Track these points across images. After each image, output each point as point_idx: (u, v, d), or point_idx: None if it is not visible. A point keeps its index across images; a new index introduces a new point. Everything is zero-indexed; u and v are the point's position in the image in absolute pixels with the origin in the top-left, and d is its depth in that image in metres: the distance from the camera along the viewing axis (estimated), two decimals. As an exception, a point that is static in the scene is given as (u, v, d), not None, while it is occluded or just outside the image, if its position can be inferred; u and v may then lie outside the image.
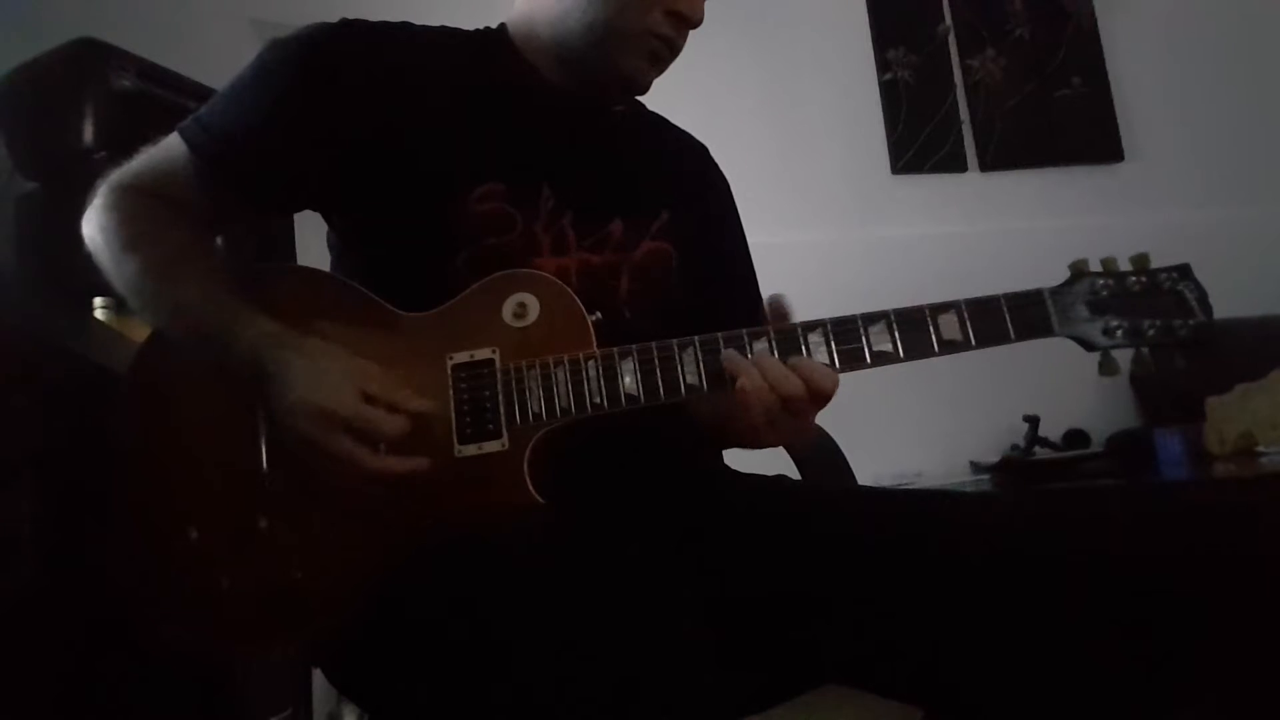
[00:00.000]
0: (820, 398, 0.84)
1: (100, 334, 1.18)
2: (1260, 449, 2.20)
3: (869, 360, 0.86)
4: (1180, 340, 0.87)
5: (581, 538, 0.83)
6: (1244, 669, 1.74)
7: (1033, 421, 2.63)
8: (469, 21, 1.07)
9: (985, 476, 2.62)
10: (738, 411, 0.85)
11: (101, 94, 1.62)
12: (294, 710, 1.54)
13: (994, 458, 2.64)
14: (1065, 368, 2.28)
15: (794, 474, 1.23)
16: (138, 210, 0.93)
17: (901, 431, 2.67)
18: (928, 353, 0.87)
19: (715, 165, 1.17)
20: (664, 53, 0.98)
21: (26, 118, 1.70)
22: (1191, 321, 0.87)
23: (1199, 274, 0.89)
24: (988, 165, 3.07)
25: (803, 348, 0.86)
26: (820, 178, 2.96)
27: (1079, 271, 0.89)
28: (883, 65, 3.08)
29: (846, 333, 0.87)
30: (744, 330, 0.87)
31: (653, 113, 1.13)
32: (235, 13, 2.44)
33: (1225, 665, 1.75)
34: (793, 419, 0.84)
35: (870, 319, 0.87)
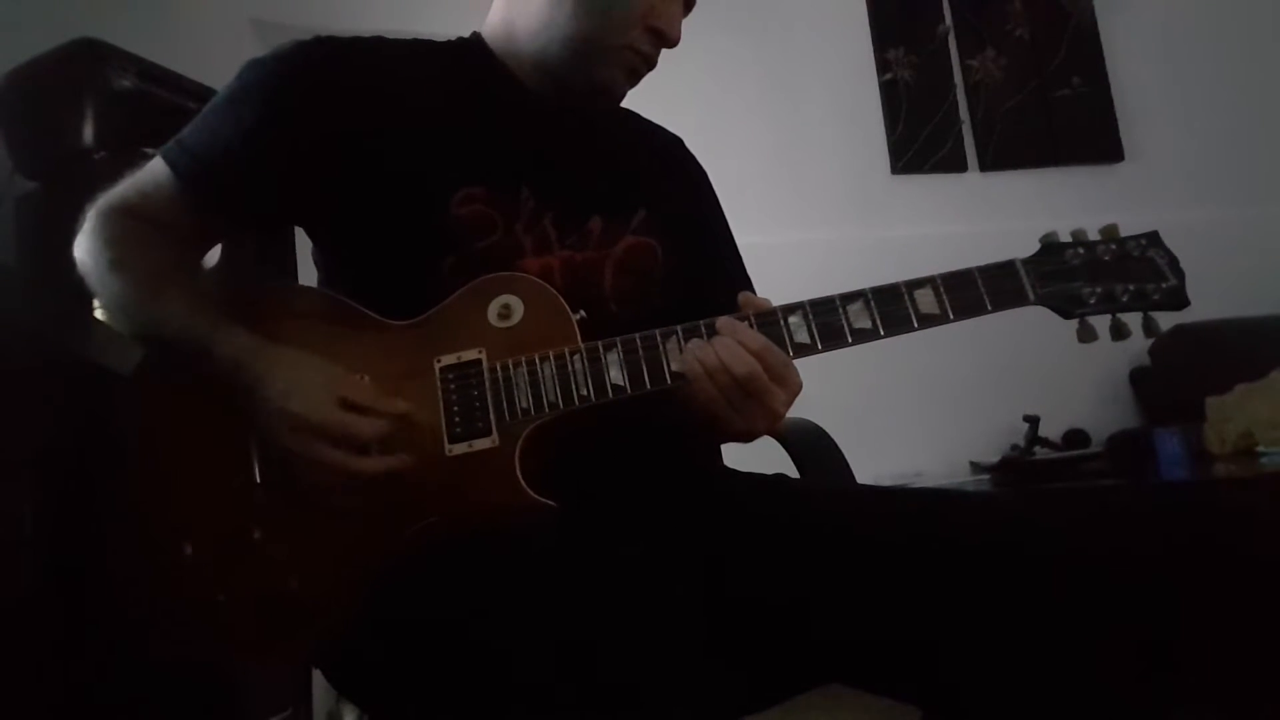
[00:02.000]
0: (780, 379, 0.85)
1: (100, 334, 1.18)
2: (1260, 449, 2.20)
3: (849, 338, 0.87)
4: (1155, 303, 0.89)
5: (579, 537, 0.83)
6: (1244, 669, 1.75)
7: (1033, 421, 2.64)
8: (460, 25, 1.08)
9: (985, 476, 2.62)
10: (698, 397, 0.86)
11: (101, 94, 1.62)
12: (294, 710, 1.54)
13: (994, 458, 2.64)
14: (1065, 368, 2.30)
15: (794, 473, 1.23)
16: (123, 232, 0.94)
17: (901, 431, 2.67)
18: (907, 327, 0.88)
19: (691, 156, 1.18)
20: (641, 68, 0.99)
21: (26, 118, 1.71)
22: (1164, 285, 0.89)
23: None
24: (988, 165, 3.08)
25: (783, 331, 0.87)
26: (820, 178, 2.96)
27: (1050, 242, 0.91)
28: (883, 65, 3.08)
29: (825, 312, 0.88)
30: (724, 317, 0.88)
31: (625, 109, 1.14)
32: (235, 13, 2.44)
33: (1225, 665, 1.75)
34: (755, 402, 0.84)
35: (848, 298, 0.88)
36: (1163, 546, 1.83)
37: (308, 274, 1.07)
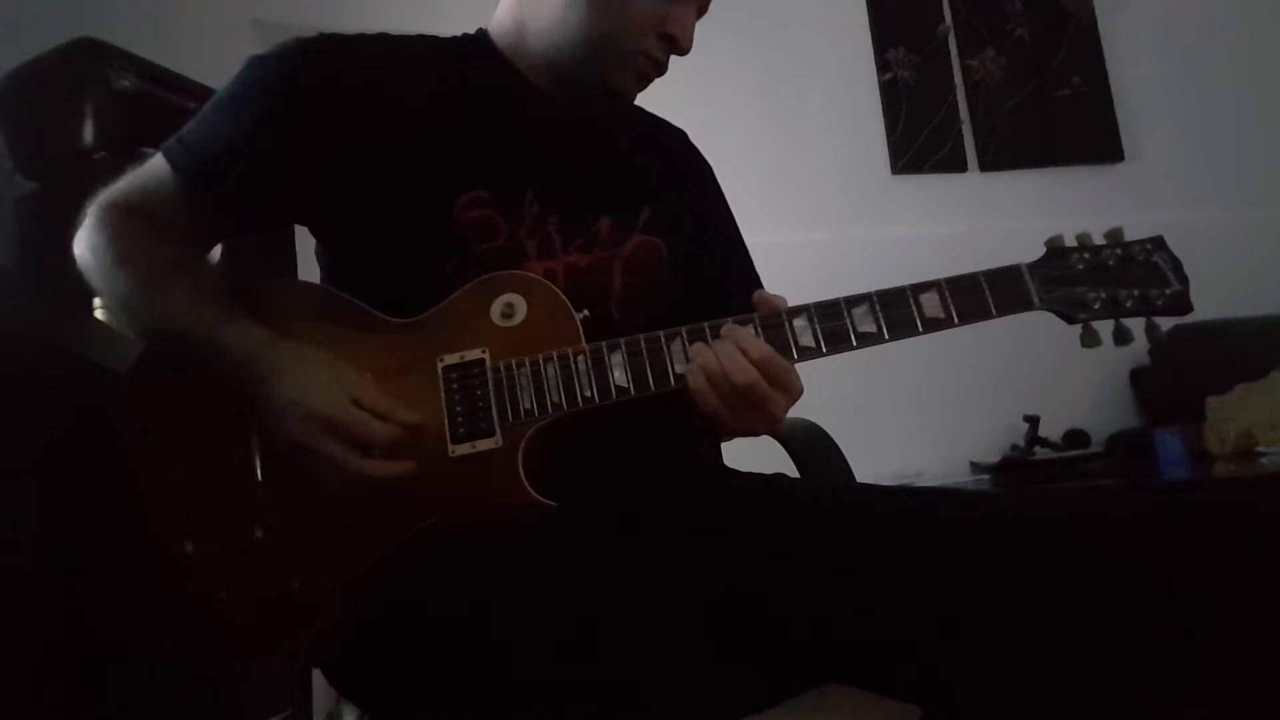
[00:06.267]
0: (781, 386, 0.85)
1: (100, 334, 1.18)
2: (1260, 449, 2.21)
3: (854, 342, 0.87)
4: (1158, 309, 0.89)
5: (581, 537, 0.83)
6: (1244, 669, 1.75)
7: (1033, 421, 2.63)
8: (461, 25, 1.07)
9: (985, 476, 2.62)
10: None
11: (101, 94, 1.62)
12: (294, 710, 1.54)
13: (994, 458, 2.64)
14: (1065, 368, 2.29)
15: (794, 473, 1.23)
16: (126, 228, 0.94)
17: (901, 431, 2.67)
18: (911, 331, 0.88)
19: (695, 150, 1.18)
20: (652, 73, 0.99)
21: (26, 118, 1.70)
22: (1168, 290, 0.89)
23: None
24: (988, 165, 3.07)
25: (788, 335, 0.87)
26: (820, 178, 2.96)
27: (1055, 247, 0.91)
28: (883, 65, 3.08)
29: (830, 316, 0.88)
30: (730, 319, 0.88)
31: (631, 105, 1.14)
32: (235, 13, 2.44)
33: (1225, 665, 1.75)
34: (755, 409, 0.84)
35: (853, 301, 0.88)
36: (1163, 546, 1.82)
37: (307, 272, 1.07)
